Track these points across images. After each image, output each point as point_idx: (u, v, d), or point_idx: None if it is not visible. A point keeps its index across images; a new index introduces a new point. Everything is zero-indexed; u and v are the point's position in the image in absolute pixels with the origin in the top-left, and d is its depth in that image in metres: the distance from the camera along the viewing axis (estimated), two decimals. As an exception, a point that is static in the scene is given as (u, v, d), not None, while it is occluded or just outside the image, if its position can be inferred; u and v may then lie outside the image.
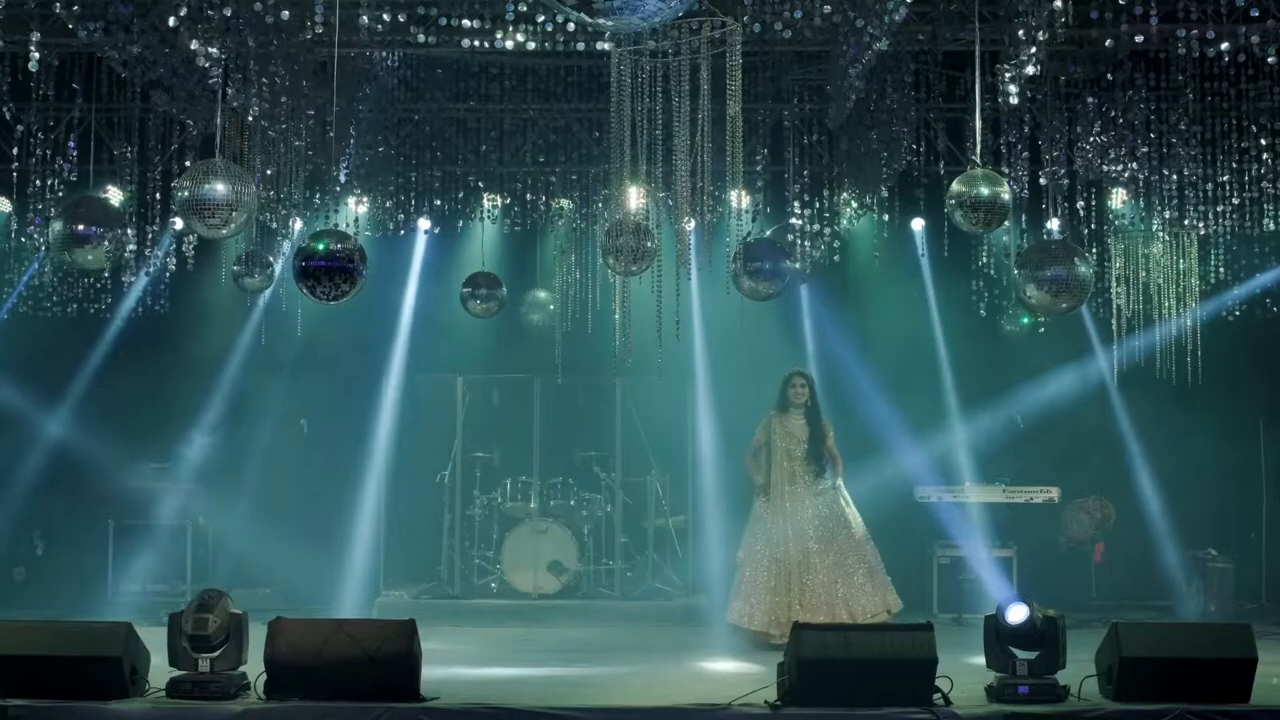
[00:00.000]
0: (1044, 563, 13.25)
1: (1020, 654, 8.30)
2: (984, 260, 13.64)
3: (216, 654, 8.21)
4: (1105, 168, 11.67)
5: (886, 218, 13.26)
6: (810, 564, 11.11)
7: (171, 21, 9.02)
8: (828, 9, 9.30)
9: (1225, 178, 11.81)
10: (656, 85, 8.84)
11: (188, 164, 10.39)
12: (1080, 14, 9.57)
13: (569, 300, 13.83)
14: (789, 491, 11.36)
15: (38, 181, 11.88)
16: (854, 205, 13.00)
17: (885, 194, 12.64)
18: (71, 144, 11.79)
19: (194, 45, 8.99)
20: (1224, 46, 9.78)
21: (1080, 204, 12.53)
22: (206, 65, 9.19)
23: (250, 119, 10.45)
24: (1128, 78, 11.24)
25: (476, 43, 9.94)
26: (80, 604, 12.11)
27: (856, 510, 11.49)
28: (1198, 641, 8.51)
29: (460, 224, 13.92)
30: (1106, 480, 13.82)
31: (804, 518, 11.26)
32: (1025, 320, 13.92)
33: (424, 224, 13.77)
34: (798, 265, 12.55)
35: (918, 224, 13.72)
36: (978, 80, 9.32)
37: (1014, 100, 9.59)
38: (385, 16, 9.77)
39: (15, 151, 11.89)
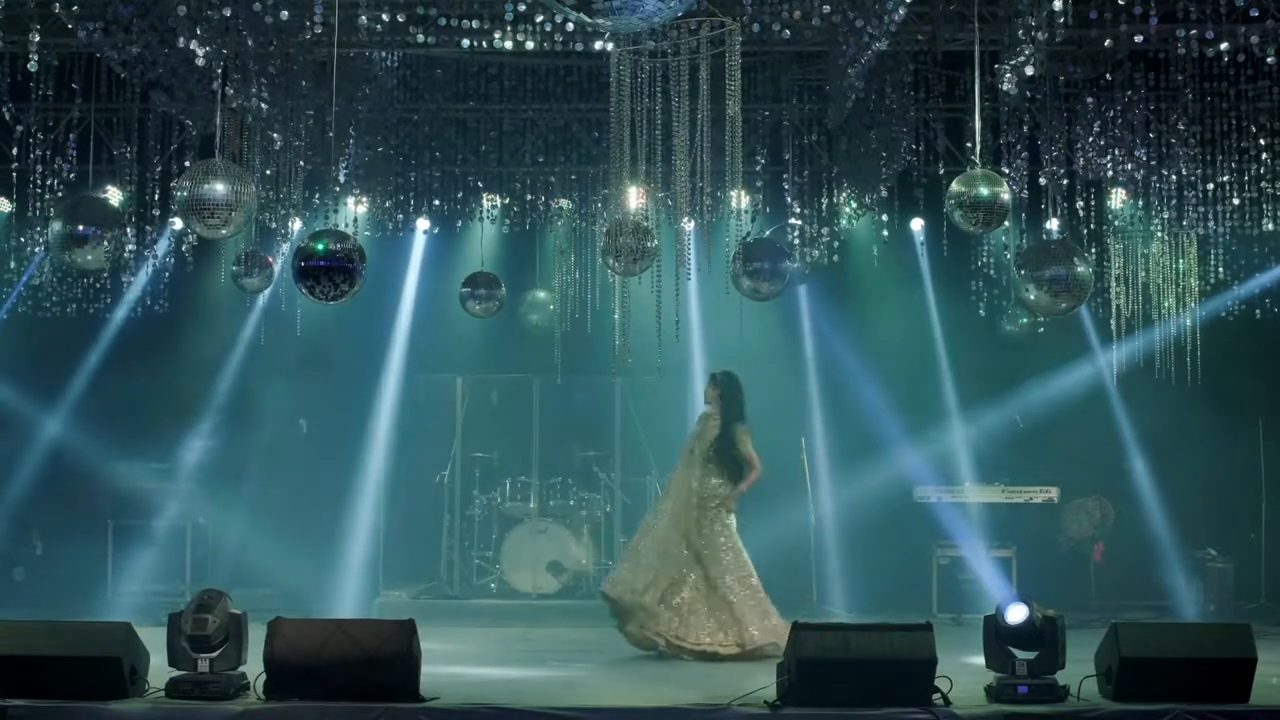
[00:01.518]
0: (1044, 563, 13.25)
1: (1020, 654, 8.28)
2: (984, 260, 13.64)
3: (216, 654, 8.19)
4: (1105, 168, 11.67)
5: (886, 218, 13.26)
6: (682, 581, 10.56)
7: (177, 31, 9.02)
8: (827, 9, 9.30)
9: (1225, 178, 11.80)
10: (656, 85, 8.84)
11: (187, 164, 10.40)
12: (1080, 14, 9.56)
13: (568, 300, 13.83)
14: (677, 480, 10.80)
15: (38, 182, 11.87)
16: (853, 205, 13.00)
17: (885, 194, 12.64)
18: (71, 144, 11.78)
19: (193, 45, 8.98)
20: (1223, 46, 9.78)
21: (1080, 204, 12.52)
22: (203, 64, 9.18)
23: (250, 119, 10.45)
24: (1127, 78, 11.24)
25: (476, 43, 9.94)
26: (80, 604, 12.10)
27: (741, 549, 10.68)
28: (1197, 641, 8.51)
29: (460, 224, 13.92)
30: (1106, 480, 13.81)
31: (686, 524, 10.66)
32: (1024, 320, 13.90)
33: (423, 224, 13.77)
34: (797, 265, 12.54)
35: (917, 224, 13.73)
36: (977, 80, 9.31)
37: (1012, 92, 9.58)
38: (385, 16, 9.77)
39: (15, 151, 11.88)
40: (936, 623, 9.22)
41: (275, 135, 10.71)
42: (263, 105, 10.13)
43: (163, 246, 12.97)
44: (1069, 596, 12.47)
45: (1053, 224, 12.08)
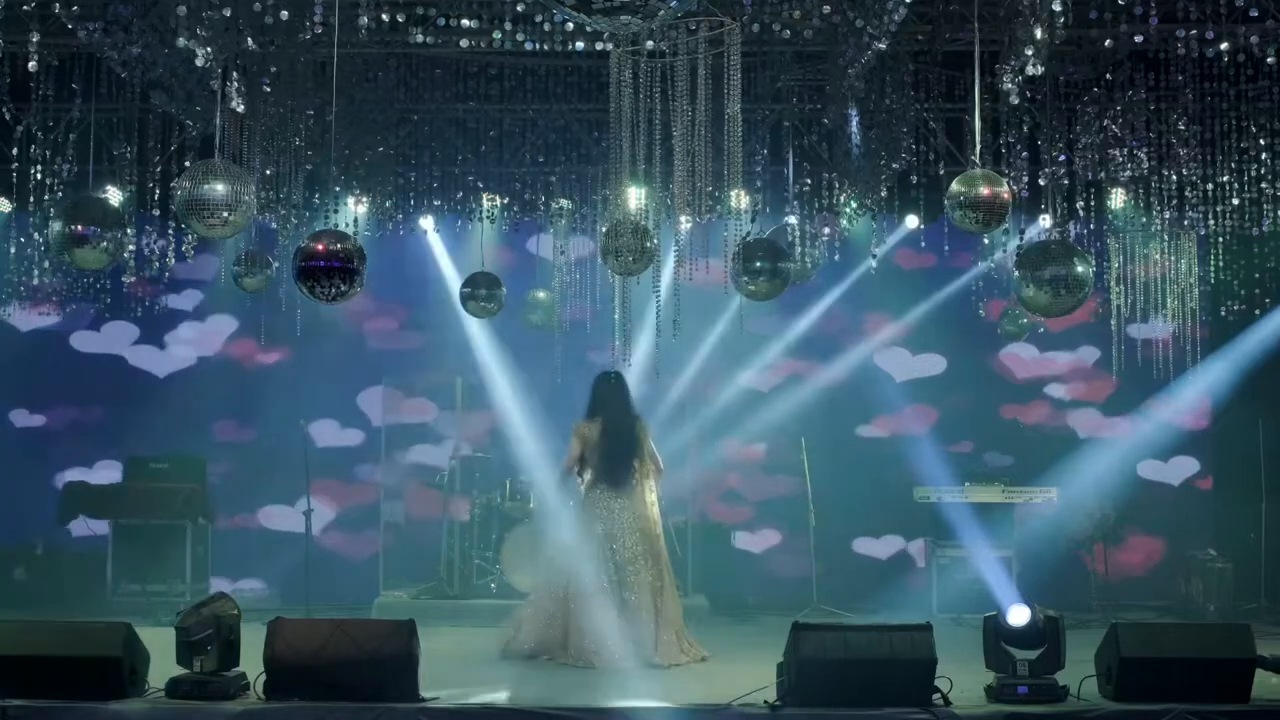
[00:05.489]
0: (1044, 563, 13.24)
1: (1020, 654, 8.30)
2: (984, 260, 13.64)
3: (204, 654, 8.18)
4: (1105, 168, 11.66)
5: (875, 232, 13.24)
6: None
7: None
8: (827, 9, 9.29)
9: (1225, 178, 11.77)
10: (655, 85, 8.83)
11: (187, 164, 10.39)
12: (1080, 14, 9.56)
13: (569, 300, 13.82)
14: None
15: (37, 181, 11.85)
16: (854, 205, 12.98)
17: (884, 194, 12.62)
18: (69, 144, 11.77)
19: (190, 43, 8.97)
20: (1223, 46, 9.77)
21: (1080, 204, 12.50)
22: (203, 64, 9.17)
23: (250, 119, 10.44)
24: (1127, 78, 11.23)
25: (475, 43, 9.94)
26: (80, 604, 12.09)
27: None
28: (1197, 641, 8.52)
29: (460, 224, 13.91)
30: (1106, 480, 13.80)
31: None
32: (1024, 320, 13.86)
33: (427, 224, 13.66)
34: (797, 265, 12.54)
35: (912, 221, 13.69)
36: (977, 80, 9.30)
37: (1013, 99, 9.57)
38: (385, 16, 9.76)
39: (15, 151, 11.87)
40: (937, 623, 9.22)
41: (274, 134, 10.68)
42: (263, 105, 10.11)
43: (163, 246, 12.94)
44: (1069, 596, 12.47)
45: (1045, 221, 12.06)
